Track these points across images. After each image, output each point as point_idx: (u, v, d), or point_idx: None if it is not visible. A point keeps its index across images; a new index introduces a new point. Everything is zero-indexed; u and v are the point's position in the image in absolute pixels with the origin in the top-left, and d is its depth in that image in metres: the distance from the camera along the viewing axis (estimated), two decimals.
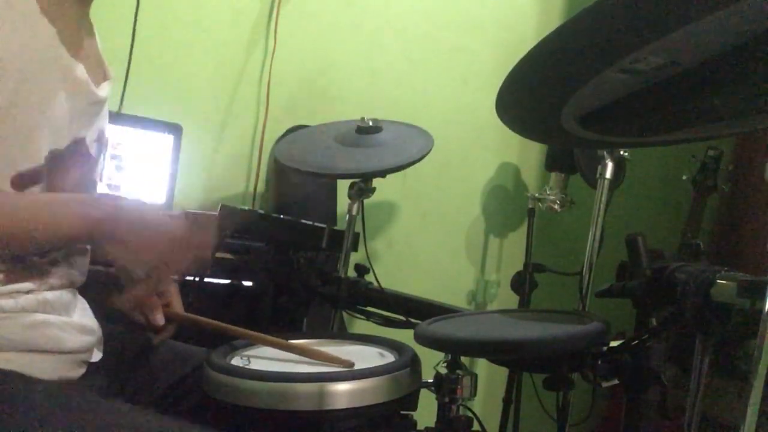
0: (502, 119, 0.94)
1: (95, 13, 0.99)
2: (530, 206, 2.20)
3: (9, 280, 0.84)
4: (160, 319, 1.03)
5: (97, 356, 0.98)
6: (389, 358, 0.99)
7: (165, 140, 1.68)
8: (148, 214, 0.87)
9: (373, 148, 1.54)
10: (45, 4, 0.84)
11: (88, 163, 0.96)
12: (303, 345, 1.03)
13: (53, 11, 0.85)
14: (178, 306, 1.07)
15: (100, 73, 0.99)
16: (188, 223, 0.88)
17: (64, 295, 0.92)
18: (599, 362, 0.91)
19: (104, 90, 0.97)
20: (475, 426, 1.06)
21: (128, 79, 1.11)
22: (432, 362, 1.05)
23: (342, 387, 0.86)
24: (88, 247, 0.99)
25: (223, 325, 1.05)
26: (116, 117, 1.18)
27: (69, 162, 0.90)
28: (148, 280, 0.92)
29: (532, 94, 0.88)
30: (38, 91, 0.83)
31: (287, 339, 1.03)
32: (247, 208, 1.85)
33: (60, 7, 0.87)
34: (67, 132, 0.90)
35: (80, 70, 0.89)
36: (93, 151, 0.97)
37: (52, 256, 0.90)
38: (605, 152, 1.63)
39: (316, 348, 1.00)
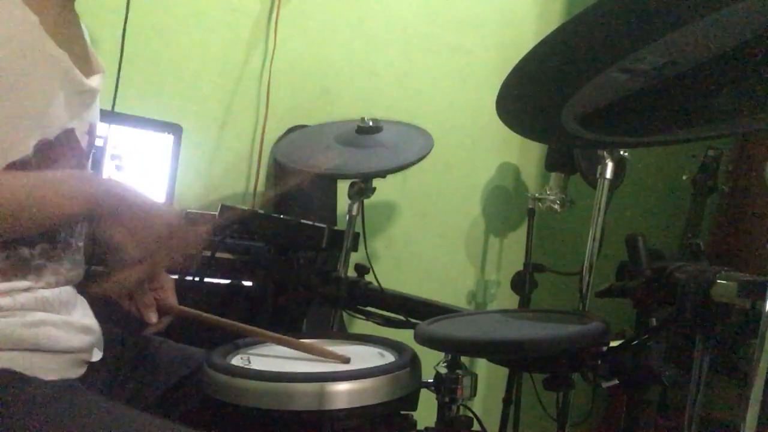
0: (502, 119, 0.94)
1: (91, 13, 0.99)
2: (530, 206, 2.20)
3: (4, 277, 0.84)
4: (153, 316, 1.03)
5: (97, 356, 0.98)
6: (389, 358, 0.99)
7: (165, 140, 1.68)
8: (147, 198, 0.88)
9: (373, 148, 1.54)
10: None
11: (78, 156, 0.95)
12: (296, 339, 1.03)
13: (35, 1, 0.84)
14: (173, 300, 1.07)
15: (88, 65, 0.98)
16: (184, 215, 0.88)
17: (63, 293, 0.92)
18: (599, 362, 0.91)
19: (94, 81, 0.96)
20: (475, 426, 1.05)
21: (120, 78, 1.11)
22: (432, 362, 1.05)
23: (342, 387, 0.86)
24: (80, 244, 0.98)
25: (216, 317, 1.05)
26: (116, 117, 1.18)
27: (58, 152, 0.90)
28: (141, 264, 0.91)
29: (532, 94, 0.88)
30: (23, 79, 0.83)
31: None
32: (247, 208, 1.85)
33: None
34: (56, 121, 0.89)
35: (65, 58, 0.89)
36: (84, 144, 0.97)
37: (42, 248, 0.89)
38: (605, 152, 1.63)
39: (309, 342, 1.00)
